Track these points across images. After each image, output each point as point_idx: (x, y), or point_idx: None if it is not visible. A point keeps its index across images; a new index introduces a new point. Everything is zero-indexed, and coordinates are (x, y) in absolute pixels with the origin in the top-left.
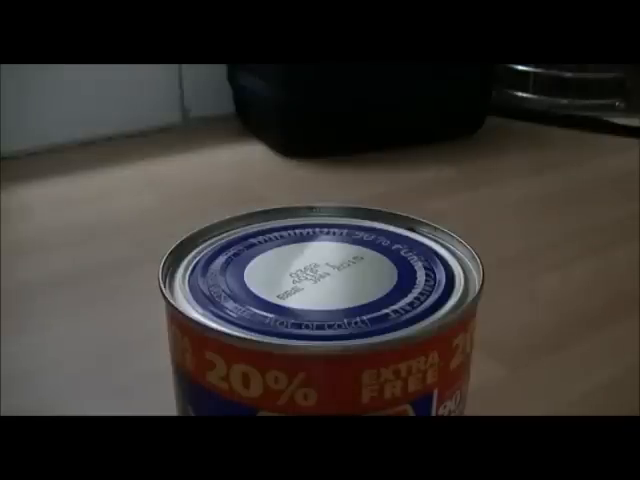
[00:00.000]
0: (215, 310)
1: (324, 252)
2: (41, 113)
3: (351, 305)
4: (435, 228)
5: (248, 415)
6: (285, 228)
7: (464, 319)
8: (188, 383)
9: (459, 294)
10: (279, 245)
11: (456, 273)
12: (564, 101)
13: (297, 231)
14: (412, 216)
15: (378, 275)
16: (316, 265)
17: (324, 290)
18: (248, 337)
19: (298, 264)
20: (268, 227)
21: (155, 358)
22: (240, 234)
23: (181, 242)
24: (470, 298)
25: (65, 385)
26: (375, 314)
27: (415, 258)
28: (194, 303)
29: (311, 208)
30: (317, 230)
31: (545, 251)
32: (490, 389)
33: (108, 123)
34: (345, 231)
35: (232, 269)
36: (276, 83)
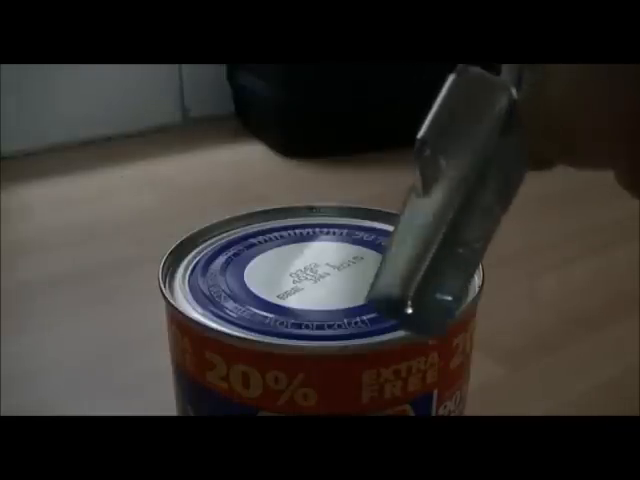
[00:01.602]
0: (215, 310)
1: (324, 252)
2: (41, 113)
3: (351, 305)
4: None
5: (248, 415)
6: (285, 228)
7: (464, 319)
8: (188, 383)
9: None
10: (279, 245)
11: None
12: None
13: (297, 231)
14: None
15: None
16: (316, 265)
17: (324, 290)
18: (248, 337)
19: (298, 264)
20: (268, 227)
21: (155, 358)
22: (240, 234)
23: (181, 242)
24: (470, 298)
25: (65, 385)
26: (375, 314)
27: None
28: (194, 303)
29: (311, 208)
30: (317, 230)
31: (545, 251)
32: (490, 389)
33: (108, 123)
34: (345, 231)
35: (232, 269)
36: (276, 83)
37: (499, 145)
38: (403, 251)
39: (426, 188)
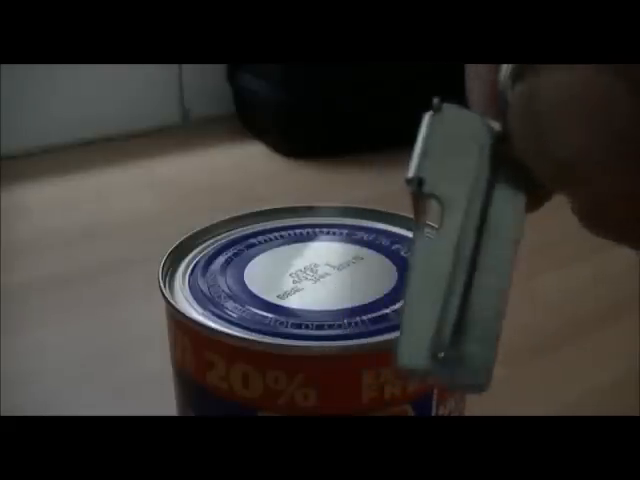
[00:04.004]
0: (215, 310)
1: (324, 252)
2: (41, 113)
3: (351, 305)
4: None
5: (248, 415)
6: (285, 228)
7: None
8: (188, 383)
9: None
10: (279, 245)
11: None
12: None
13: (297, 231)
14: (412, 216)
15: (378, 275)
16: (316, 265)
17: (324, 290)
18: (248, 337)
19: (298, 264)
20: (268, 227)
21: (155, 358)
22: (240, 234)
23: (181, 242)
24: None
25: (65, 385)
26: (375, 314)
27: None
28: (194, 303)
29: (311, 208)
30: (317, 230)
31: (545, 251)
32: (490, 389)
33: (108, 123)
34: (345, 231)
35: (232, 269)
36: (276, 83)
37: (493, 182)
38: (423, 306)
39: (432, 226)
